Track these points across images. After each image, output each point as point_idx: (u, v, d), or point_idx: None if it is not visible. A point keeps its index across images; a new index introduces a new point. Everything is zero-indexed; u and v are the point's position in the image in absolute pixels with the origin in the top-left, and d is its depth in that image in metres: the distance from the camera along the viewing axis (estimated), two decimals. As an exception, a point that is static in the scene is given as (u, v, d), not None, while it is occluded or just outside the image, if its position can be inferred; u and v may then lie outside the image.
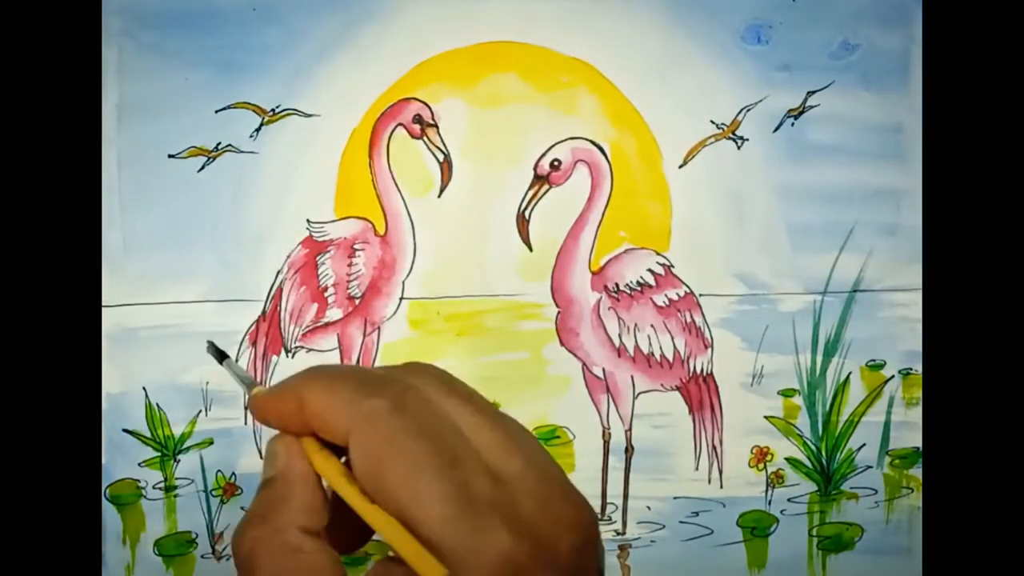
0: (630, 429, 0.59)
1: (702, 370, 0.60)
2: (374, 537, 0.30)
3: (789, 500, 0.60)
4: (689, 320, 0.59)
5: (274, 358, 0.57)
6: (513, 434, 0.30)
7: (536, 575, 0.26)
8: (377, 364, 0.58)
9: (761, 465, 0.60)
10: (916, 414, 0.61)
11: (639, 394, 0.60)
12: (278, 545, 0.28)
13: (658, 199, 0.59)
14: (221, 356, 0.36)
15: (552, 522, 0.27)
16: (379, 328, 0.58)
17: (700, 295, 0.59)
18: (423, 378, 0.30)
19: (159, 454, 0.57)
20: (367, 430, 0.28)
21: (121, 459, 0.56)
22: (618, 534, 0.59)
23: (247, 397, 0.33)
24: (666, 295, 0.59)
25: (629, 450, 0.59)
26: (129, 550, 0.57)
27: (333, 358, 0.58)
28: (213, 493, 0.57)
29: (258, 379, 0.57)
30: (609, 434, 0.59)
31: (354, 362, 0.58)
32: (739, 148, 0.59)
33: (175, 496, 0.57)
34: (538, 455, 0.29)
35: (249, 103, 0.56)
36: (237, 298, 0.57)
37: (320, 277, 0.57)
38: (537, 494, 0.28)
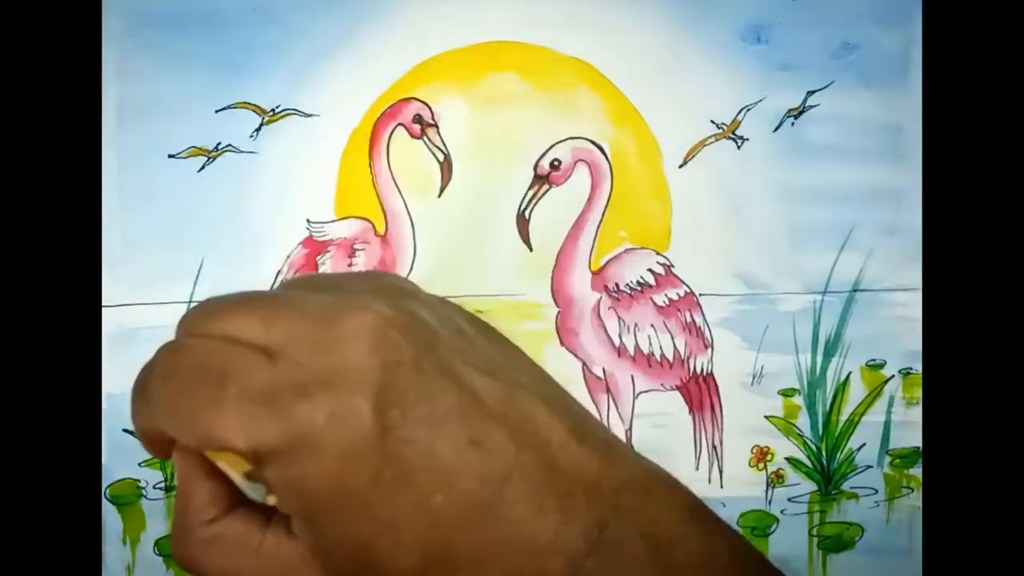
0: (630, 429, 0.59)
1: (702, 370, 0.60)
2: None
3: (789, 500, 0.60)
4: (689, 320, 0.59)
5: (274, 358, 0.57)
6: (271, 300, 0.29)
7: (346, 413, 0.25)
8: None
9: (761, 465, 0.60)
10: (916, 414, 0.61)
11: (639, 394, 0.60)
12: (199, 547, 0.29)
13: (658, 199, 0.59)
14: None
15: (335, 347, 0.26)
16: (379, 328, 0.58)
17: (700, 295, 0.59)
18: (190, 319, 0.30)
19: (159, 454, 0.57)
20: (156, 407, 0.29)
21: (121, 459, 0.56)
22: (618, 534, 0.59)
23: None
24: (666, 295, 0.59)
25: (629, 450, 0.59)
26: (129, 550, 0.57)
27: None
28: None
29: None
30: (609, 434, 0.59)
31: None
32: (739, 148, 0.59)
33: (175, 496, 0.57)
34: (304, 302, 0.28)
35: (249, 103, 0.56)
36: (237, 298, 0.57)
37: (320, 277, 0.57)
38: (310, 341, 0.27)
